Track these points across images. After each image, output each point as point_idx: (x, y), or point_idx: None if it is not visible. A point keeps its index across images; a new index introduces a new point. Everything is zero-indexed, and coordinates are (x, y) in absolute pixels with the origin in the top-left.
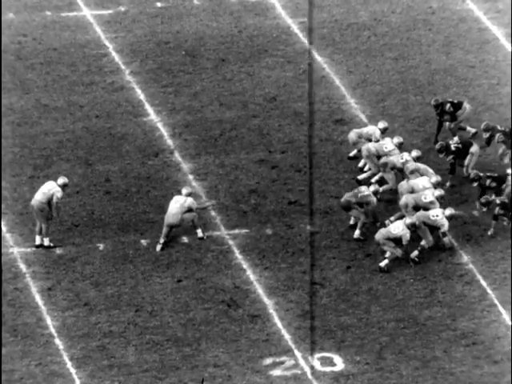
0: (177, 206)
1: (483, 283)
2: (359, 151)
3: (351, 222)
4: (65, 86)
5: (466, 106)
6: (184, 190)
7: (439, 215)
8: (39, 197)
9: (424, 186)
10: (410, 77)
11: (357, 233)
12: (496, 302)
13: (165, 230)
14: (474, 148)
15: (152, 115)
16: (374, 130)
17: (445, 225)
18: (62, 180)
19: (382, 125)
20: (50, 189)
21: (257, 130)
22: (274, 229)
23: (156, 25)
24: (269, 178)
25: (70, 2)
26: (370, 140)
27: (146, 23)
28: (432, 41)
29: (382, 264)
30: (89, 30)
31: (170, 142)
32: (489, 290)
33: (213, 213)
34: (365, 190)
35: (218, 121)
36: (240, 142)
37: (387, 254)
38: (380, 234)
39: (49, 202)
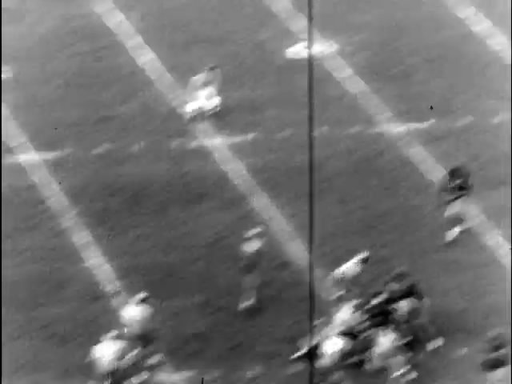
0: (109, 352)
1: None
2: None
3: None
4: (6, 231)
5: None
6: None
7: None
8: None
9: None
10: None
11: None
12: None
13: (105, 376)
14: None
15: (95, 258)
16: None
17: None
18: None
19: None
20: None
21: (200, 273)
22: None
23: (100, 168)
24: (212, 322)
25: (8, 146)
26: None
27: (89, 167)
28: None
29: None
30: (32, 173)
31: (111, 285)
32: None
33: (158, 356)
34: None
35: (160, 264)
36: (183, 285)
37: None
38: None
39: None
